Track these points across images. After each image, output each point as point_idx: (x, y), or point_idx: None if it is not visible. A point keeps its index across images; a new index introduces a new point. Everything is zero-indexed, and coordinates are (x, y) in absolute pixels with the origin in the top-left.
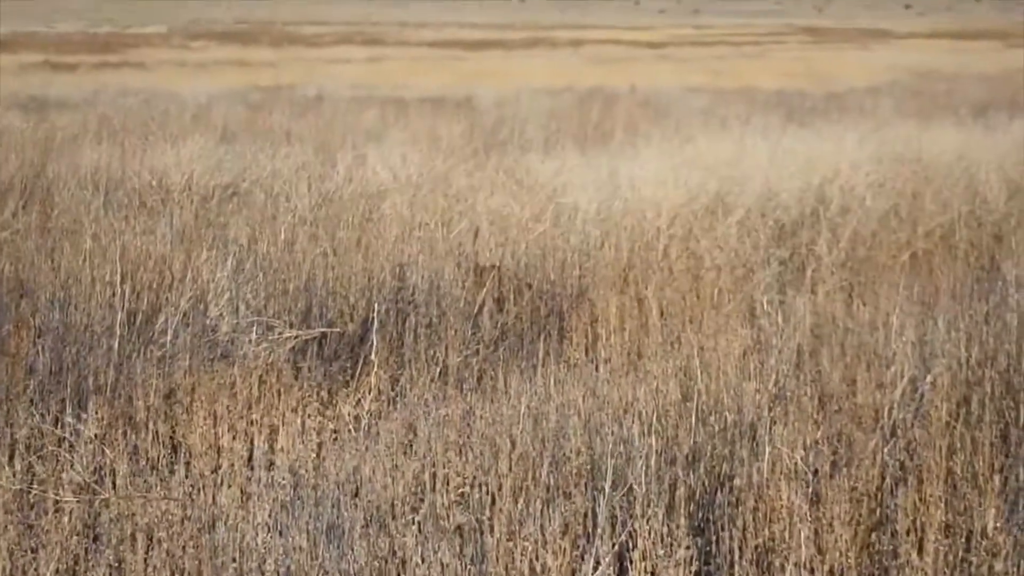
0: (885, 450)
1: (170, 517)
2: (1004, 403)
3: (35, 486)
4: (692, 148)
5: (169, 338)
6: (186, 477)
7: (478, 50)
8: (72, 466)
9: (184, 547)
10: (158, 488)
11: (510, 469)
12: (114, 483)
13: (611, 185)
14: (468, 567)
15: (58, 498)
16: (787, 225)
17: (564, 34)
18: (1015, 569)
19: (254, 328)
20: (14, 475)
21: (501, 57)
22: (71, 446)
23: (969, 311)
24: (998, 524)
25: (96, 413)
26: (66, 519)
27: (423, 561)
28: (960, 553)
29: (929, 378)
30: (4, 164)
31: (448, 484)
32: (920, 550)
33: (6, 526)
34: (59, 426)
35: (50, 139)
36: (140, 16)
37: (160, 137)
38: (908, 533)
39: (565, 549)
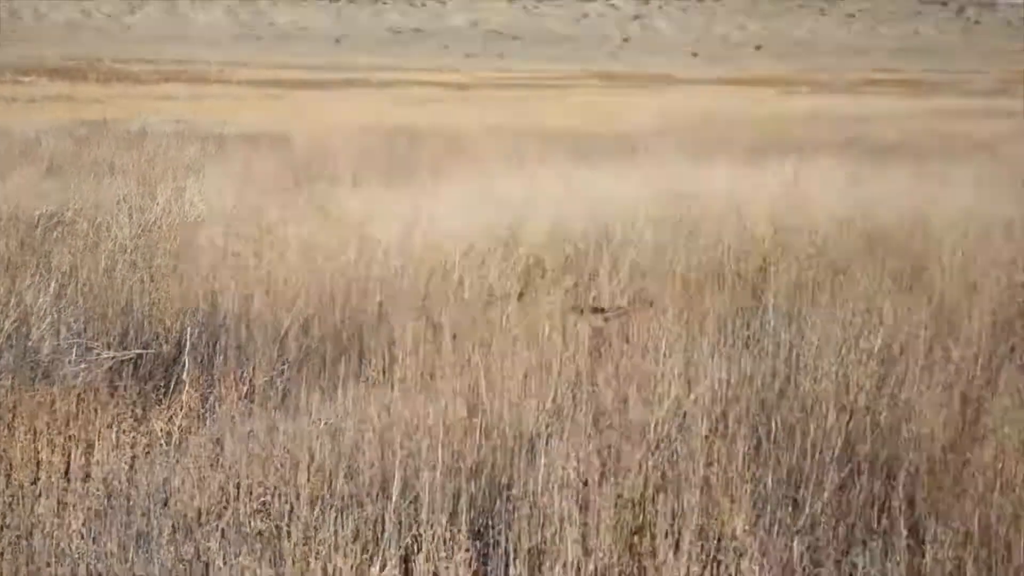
0: (649, 462)
1: None
2: (757, 419)
3: None
4: (489, 184)
5: None
6: (6, 488)
7: (296, 89)
8: None
9: (2, 553)
10: None
11: (308, 480)
12: None
13: (413, 218)
14: (267, 570)
15: None
16: (572, 256)
17: (377, 76)
18: (759, 568)
19: (74, 350)
20: None
21: (317, 97)
22: None
23: (731, 336)
24: (746, 527)
25: None
26: None
27: (225, 564)
28: (712, 553)
29: (692, 396)
30: None
31: (251, 494)
32: (676, 550)
33: None
34: None
35: None
36: None
37: None
38: (666, 536)
39: (356, 552)
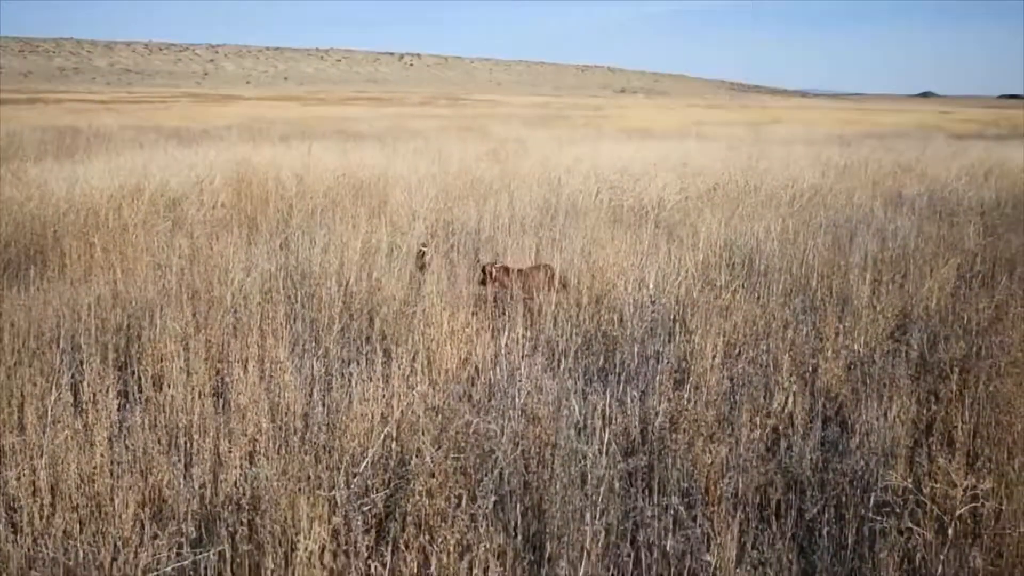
0: (227, 318)
1: None
2: (290, 291)
3: None
4: (122, 159)
5: None
6: None
7: None
8: None
9: None
10: None
11: (12, 343)
12: None
13: (75, 179)
14: None
15: None
16: (174, 199)
17: (53, 95)
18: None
19: None
20: None
21: (11, 109)
22: None
23: (274, 242)
24: (287, 355)
25: None
26: None
27: None
28: (267, 372)
29: (250, 280)
30: None
31: None
32: (245, 370)
33: None
34: None
35: None
36: None
37: None
38: (240, 359)
39: (41, 382)
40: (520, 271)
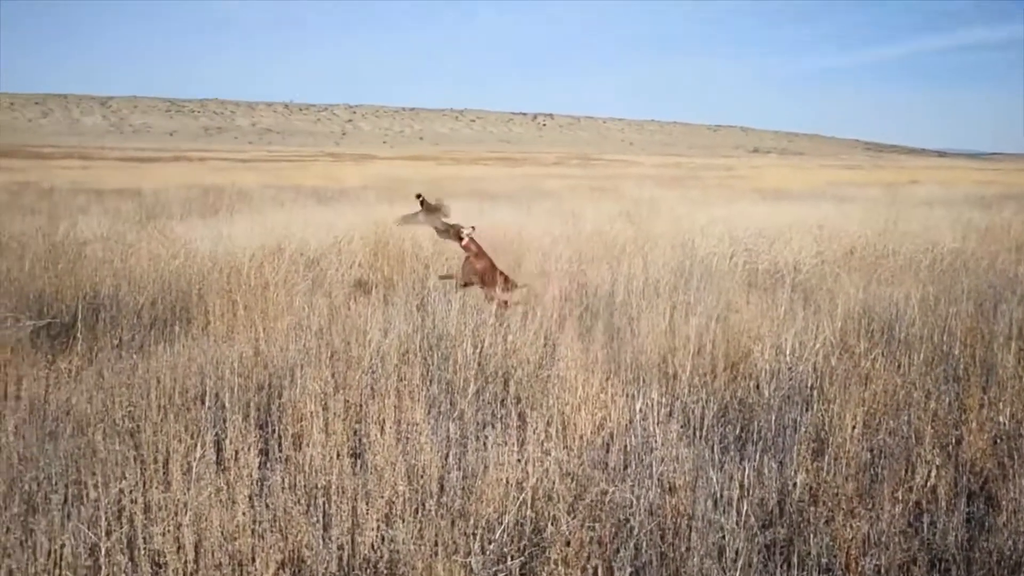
0: (364, 379)
1: None
2: (427, 352)
3: None
4: (263, 216)
5: None
6: None
7: (145, 163)
8: None
9: None
10: None
11: (156, 397)
12: None
13: (219, 237)
14: (131, 452)
15: None
16: (313, 258)
17: (197, 154)
18: (430, 442)
19: (8, 320)
20: None
21: (159, 167)
22: None
23: (409, 303)
24: (423, 416)
25: None
26: None
27: (106, 451)
28: (403, 433)
29: (387, 341)
30: None
31: (122, 405)
32: (382, 431)
33: None
34: None
35: None
36: None
37: None
38: (377, 422)
39: (186, 440)
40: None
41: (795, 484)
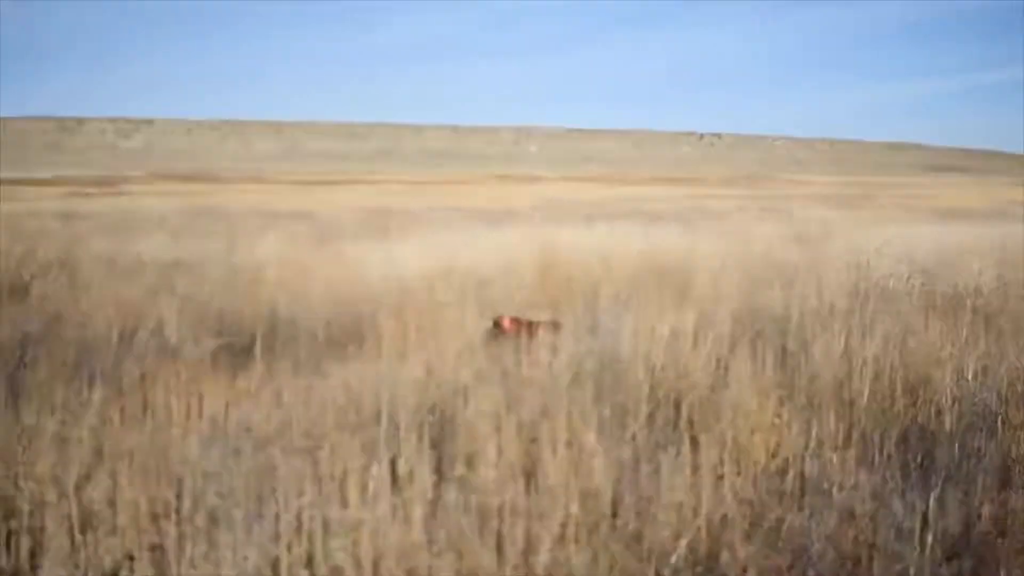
0: (537, 399)
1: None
2: (603, 376)
3: None
4: (432, 238)
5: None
6: (152, 421)
7: (317, 185)
8: None
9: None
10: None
11: (332, 413)
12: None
13: (390, 259)
14: (309, 469)
15: None
16: (487, 279)
17: (367, 178)
18: (602, 464)
19: (190, 340)
20: None
21: (329, 190)
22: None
23: (580, 327)
24: (597, 438)
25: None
26: None
27: (286, 465)
28: (576, 453)
29: (558, 361)
30: None
31: (300, 422)
32: (553, 451)
33: None
34: None
35: None
36: (124, 163)
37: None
38: (548, 443)
39: (362, 457)
40: (529, 323)
41: (980, 515)
